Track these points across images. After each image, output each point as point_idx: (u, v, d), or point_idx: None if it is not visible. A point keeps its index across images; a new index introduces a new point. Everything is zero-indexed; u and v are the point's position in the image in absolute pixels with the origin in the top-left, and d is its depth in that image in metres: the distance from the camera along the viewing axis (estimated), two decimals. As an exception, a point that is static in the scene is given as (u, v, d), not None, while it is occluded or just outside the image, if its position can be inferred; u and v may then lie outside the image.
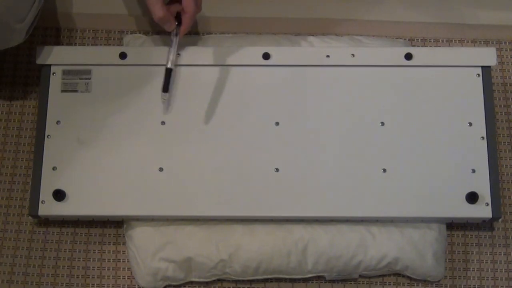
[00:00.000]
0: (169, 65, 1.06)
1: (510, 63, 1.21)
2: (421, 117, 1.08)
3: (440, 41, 1.23)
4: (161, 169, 1.06)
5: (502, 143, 1.17)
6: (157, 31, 1.22)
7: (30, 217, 1.11)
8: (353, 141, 1.07)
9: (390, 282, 1.11)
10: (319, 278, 1.10)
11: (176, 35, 1.07)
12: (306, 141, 1.07)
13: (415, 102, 1.09)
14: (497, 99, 1.19)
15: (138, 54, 1.11)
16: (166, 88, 1.05)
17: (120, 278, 1.11)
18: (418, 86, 1.09)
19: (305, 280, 1.10)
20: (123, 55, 1.10)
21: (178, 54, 1.10)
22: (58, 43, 1.21)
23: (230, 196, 1.05)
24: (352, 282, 1.11)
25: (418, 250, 1.06)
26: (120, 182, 1.05)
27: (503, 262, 1.12)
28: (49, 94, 1.09)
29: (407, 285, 1.11)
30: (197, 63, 1.10)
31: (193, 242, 1.06)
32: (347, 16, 1.24)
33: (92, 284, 1.10)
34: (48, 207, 1.04)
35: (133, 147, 1.07)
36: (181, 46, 1.13)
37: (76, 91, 1.09)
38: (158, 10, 1.02)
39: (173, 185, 1.05)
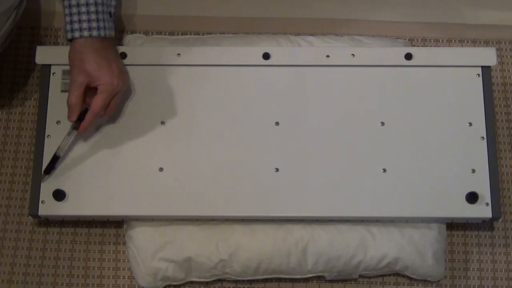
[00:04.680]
0: (57, 152, 1.04)
1: (510, 63, 1.21)
2: (421, 117, 1.08)
3: (440, 41, 1.23)
4: (161, 169, 1.06)
5: (502, 143, 1.17)
6: (157, 31, 1.22)
7: (30, 217, 1.11)
8: (353, 141, 1.07)
9: (390, 282, 1.11)
10: (319, 278, 1.10)
11: (75, 128, 1.03)
12: (306, 141, 1.07)
13: (415, 102, 1.09)
14: (497, 99, 1.19)
15: (138, 54, 1.11)
16: (48, 170, 1.04)
17: (120, 278, 1.11)
18: (418, 86, 1.09)
19: (305, 280, 1.10)
20: (123, 55, 1.10)
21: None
22: (57, 43, 1.21)
23: (230, 196, 1.05)
24: (352, 282, 1.11)
25: (418, 250, 1.06)
26: (120, 182, 1.05)
27: (503, 262, 1.12)
28: (49, 94, 1.09)
29: (407, 285, 1.11)
30: (197, 63, 1.10)
31: (193, 242, 1.06)
32: (347, 16, 1.24)
33: (92, 284, 1.10)
34: (48, 207, 1.04)
35: (133, 147, 1.07)
36: (181, 46, 1.13)
37: (76, 91, 1.09)
38: (72, 96, 0.99)
39: (173, 185, 1.05)
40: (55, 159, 1.04)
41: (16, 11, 1.06)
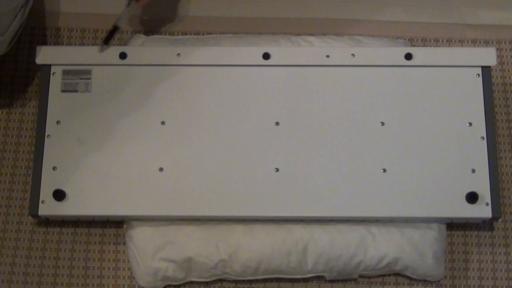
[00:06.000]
0: (117, 23, 1.11)
1: (510, 63, 1.21)
2: (421, 117, 1.08)
3: (440, 41, 1.23)
4: (161, 169, 1.06)
5: (502, 143, 1.17)
6: (157, 31, 1.22)
7: (30, 217, 1.11)
8: (353, 141, 1.07)
9: (390, 282, 1.11)
10: (319, 278, 1.10)
11: (136, 0, 1.10)
12: (306, 141, 1.07)
13: (415, 102, 1.09)
14: (497, 99, 1.19)
15: (138, 54, 1.11)
16: (107, 40, 1.11)
17: (120, 278, 1.11)
18: (418, 86, 1.09)
19: (305, 280, 1.10)
20: (123, 55, 1.10)
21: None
22: (58, 43, 1.21)
23: (230, 196, 1.05)
24: (352, 282, 1.11)
25: (418, 250, 1.06)
26: (120, 182, 1.05)
27: (503, 262, 1.12)
28: (49, 94, 1.09)
29: (407, 285, 1.11)
30: (197, 63, 1.10)
31: (193, 242, 1.06)
32: (347, 16, 1.24)
33: (92, 284, 1.10)
34: (48, 207, 1.05)
35: (133, 147, 1.07)
36: (181, 46, 1.13)
37: (76, 91, 1.09)
38: None
39: (173, 185, 1.05)
40: (115, 30, 1.10)
41: (23, 9, 1.06)
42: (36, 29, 1.22)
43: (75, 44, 1.21)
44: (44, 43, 1.21)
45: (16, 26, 1.05)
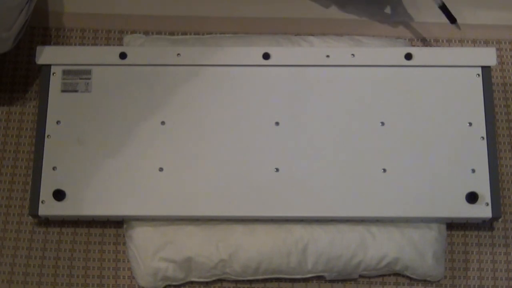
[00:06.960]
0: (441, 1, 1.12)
1: (510, 63, 1.21)
2: (421, 117, 1.08)
3: (440, 41, 1.23)
4: (161, 169, 1.06)
5: (502, 143, 1.17)
6: (157, 31, 1.22)
7: (30, 217, 1.11)
8: (353, 141, 1.07)
9: (390, 282, 1.11)
10: (319, 278, 1.10)
11: None
12: (306, 141, 1.07)
13: (415, 102, 1.09)
14: (497, 99, 1.19)
15: (138, 54, 1.11)
16: (453, 18, 1.13)
17: (120, 278, 1.11)
18: (418, 86, 1.09)
19: (305, 280, 1.10)
20: (123, 55, 1.10)
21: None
22: (58, 43, 1.21)
23: (230, 196, 1.05)
24: (352, 282, 1.11)
25: (418, 250, 1.06)
26: (120, 182, 1.05)
27: (503, 262, 1.12)
28: (49, 94, 1.09)
29: (407, 285, 1.11)
30: (197, 63, 1.10)
31: (193, 242, 1.06)
32: (347, 16, 1.24)
33: (92, 284, 1.10)
34: (48, 207, 1.05)
35: (133, 147, 1.07)
36: (181, 46, 1.13)
37: (76, 91, 1.09)
38: None
39: (173, 185, 1.05)
40: (444, 6, 1.13)
41: (28, 5, 1.06)
42: (36, 29, 1.22)
43: (75, 44, 1.21)
44: (44, 43, 1.21)
45: (21, 23, 1.05)
